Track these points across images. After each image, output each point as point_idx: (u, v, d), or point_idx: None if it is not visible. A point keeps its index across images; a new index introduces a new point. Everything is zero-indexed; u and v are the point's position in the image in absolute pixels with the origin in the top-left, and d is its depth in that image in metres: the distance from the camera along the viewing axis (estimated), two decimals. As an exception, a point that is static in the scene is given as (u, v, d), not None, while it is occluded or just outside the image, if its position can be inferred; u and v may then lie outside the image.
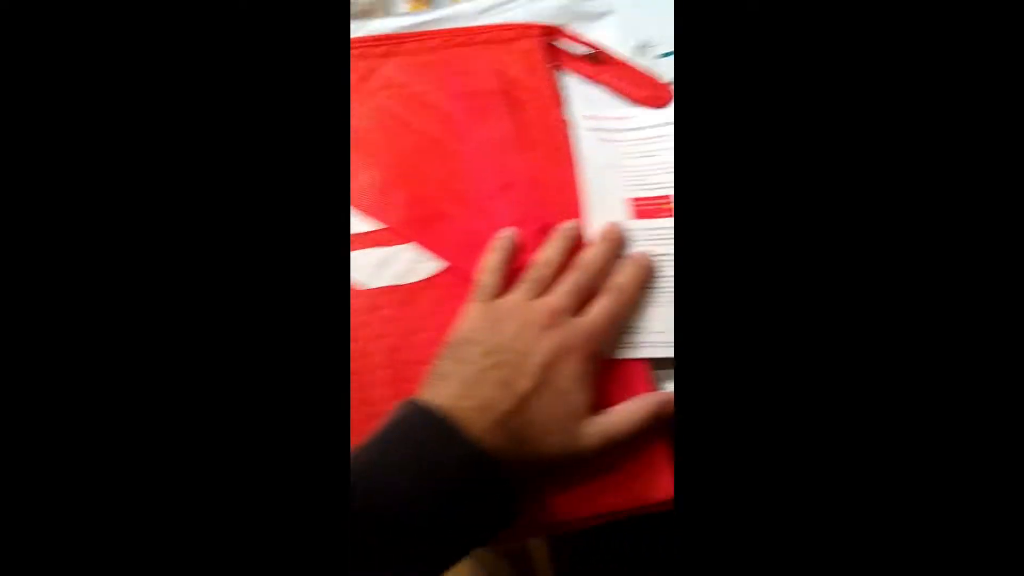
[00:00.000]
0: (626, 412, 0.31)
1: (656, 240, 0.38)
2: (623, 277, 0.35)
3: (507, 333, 0.31)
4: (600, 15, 0.50)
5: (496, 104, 0.43)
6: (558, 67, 0.48)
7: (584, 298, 0.34)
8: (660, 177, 0.41)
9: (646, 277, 0.35)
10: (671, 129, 0.43)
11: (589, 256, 0.35)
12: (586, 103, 0.45)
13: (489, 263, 0.36)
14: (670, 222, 0.39)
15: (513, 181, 0.40)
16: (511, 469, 0.28)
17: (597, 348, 0.32)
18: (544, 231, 0.38)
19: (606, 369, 0.34)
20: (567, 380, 0.30)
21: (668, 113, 0.44)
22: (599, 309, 0.33)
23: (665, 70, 0.46)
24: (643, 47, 0.48)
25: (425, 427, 0.27)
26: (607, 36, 0.48)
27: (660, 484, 0.31)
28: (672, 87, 0.45)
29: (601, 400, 0.33)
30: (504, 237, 0.37)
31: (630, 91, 0.45)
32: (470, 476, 0.27)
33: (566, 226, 0.37)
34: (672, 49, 0.47)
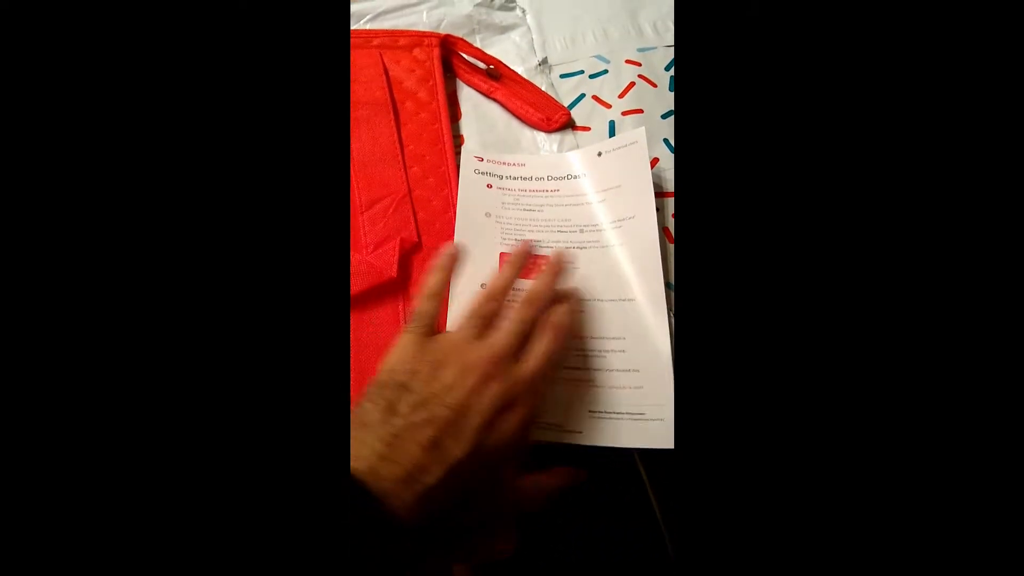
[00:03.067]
0: (542, 487, 0.29)
1: None
2: (559, 314, 0.30)
3: (444, 381, 0.27)
4: (506, 28, 0.48)
5: (382, 115, 0.41)
6: (455, 79, 0.46)
7: (527, 338, 0.30)
8: (540, 235, 0.37)
9: (580, 313, 0.32)
10: (565, 186, 0.39)
11: (536, 290, 0.31)
12: (480, 135, 0.43)
13: (428, 287, 0.31)
14: None
15: (382, 196, 0.38)
16: (430, 543, 0.25)
17: (539, 400, 0.28)
18: (416, 250, 0.37)
19: None
20: (503, 443, 0.26)
21: (566, 167, 0.40)
22: (540, 351, 0.29)
23: (565, 91, 0.45)
24: (546, 66, 0.46)
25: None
26: (510, 51, 0.47)
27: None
28: (569, 111, 0.44)
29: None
30: (447, 255, 0.32)
31: (524, 111, 0.43)
32: (386, 559, 0.24)
33: (519, 252, 0.32)
34: (575, 70, 0.46)
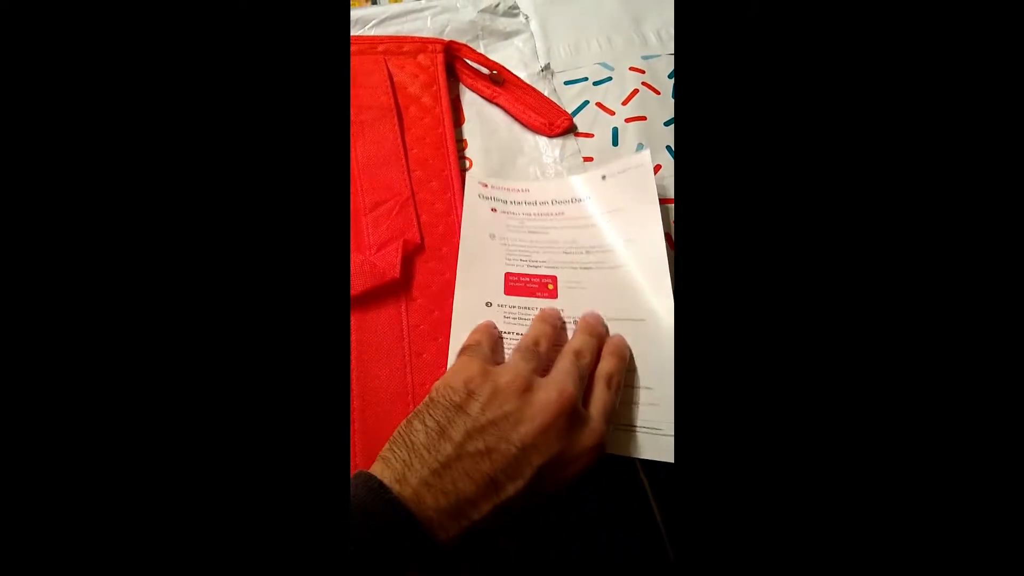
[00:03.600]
0: None
1: (529, 321, 0.34)
2: (613, 369, 0.30)
3: (506, 411, 0.26)
4: (509, 34, 0.49)
5: (387, 120, 0.41)
6: (458, 84, 0.46)
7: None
8: (546, 256, 0.37)
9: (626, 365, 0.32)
10: (570, 209, 0.39)
11: (583, 345, 0.31)
12: (482, 139, 0.43)
13: (480, 329, 0.32)
14: (543, 303, 0.35)
15: (386, 199, 0.38)
16: (469, 566, 0.25)
17: (602, 452, 0.27)
18: (419, 251, 0.37)
19: None
20: (559, 487, 0.25)
21: (570, 191, 0.40)
22: (604, 406, 0.28)
23: (569, 98, 0.45)
24: (548, 71, 0.47)
25: (385, 532, 0.23)
26: (513, 57, 0.47)
27: None
28: (571, 116, 0.44)
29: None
30: (484, 329, 0.32)
31: (526, 116, 0.43)
32: None
33: (549, 313, 0.33)
34: (579, 77, 0.46)
